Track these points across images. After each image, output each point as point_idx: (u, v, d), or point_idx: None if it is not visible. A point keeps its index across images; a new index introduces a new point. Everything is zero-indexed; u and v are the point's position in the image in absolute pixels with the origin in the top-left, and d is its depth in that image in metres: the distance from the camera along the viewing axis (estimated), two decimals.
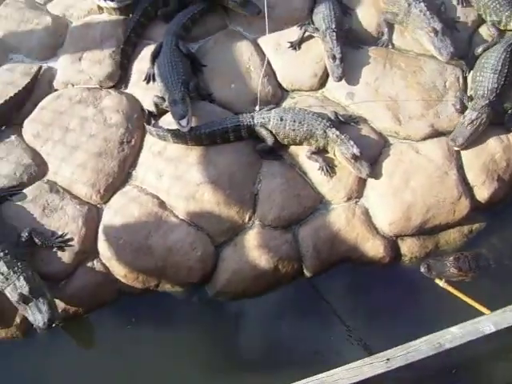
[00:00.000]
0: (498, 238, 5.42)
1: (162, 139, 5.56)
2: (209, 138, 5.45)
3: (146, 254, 5.24)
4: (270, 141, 5.42)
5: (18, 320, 5.18)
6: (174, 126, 5.44)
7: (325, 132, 5.28)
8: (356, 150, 5.14)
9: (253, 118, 5.47)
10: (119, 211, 5.41)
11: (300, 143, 5.46)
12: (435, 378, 4.32)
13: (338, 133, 5.24)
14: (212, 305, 5.38)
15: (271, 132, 5.42)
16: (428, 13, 5.70)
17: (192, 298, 5.41)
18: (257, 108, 5.59)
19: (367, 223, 5.30)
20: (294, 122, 5.34)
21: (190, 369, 5.06)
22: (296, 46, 5.97)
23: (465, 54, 5.83)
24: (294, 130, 5.35)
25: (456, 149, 5.38)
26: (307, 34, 5.96)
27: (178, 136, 5.46)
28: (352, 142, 5.18)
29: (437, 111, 5.57)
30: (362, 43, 5.97)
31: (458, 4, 6.10)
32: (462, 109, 5.50)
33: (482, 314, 4.74)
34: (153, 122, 5.73)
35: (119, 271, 5.29)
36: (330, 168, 5.37)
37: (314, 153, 5.40)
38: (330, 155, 5.42)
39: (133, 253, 5.25)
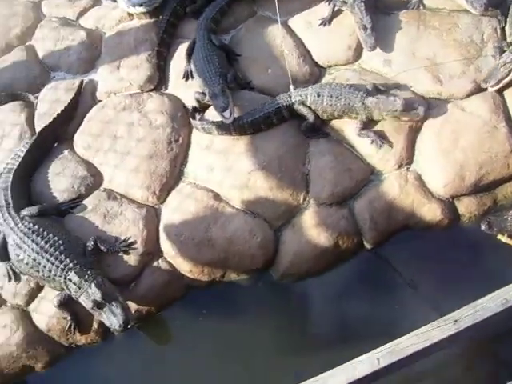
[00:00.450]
0: None
1: (208, 132, 5.65)
2: (252, 126, 5.52)
3: (208, 247, 5.35)
4: (310, 117, 5.44)
5: (95, 325, 5.37)
6: (219, 119, 5.53)
7: (363, 103, 5.28)
8: (400, 103, 5.16)
9: (290, 98, 5.50)
10: (177, 209, 5.54)
11: (340, 117, 5.47)
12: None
13: (375, 99, 5.26)
14: (278, 288, 5.45)
15: (310, 108, 5.44)
16: None
17: (258, 283, 5.50)
18: (291, 88, 5.59)
19: (421, 188, 5.27)
20: (331, 97, 5.35)
21: (264, 352, 5.17)
22: (327, 22, 5.96)
23: (498, 2, 5.65)
24: (331, 105, 5.37)
25: (490, 89, 5.31)
26: (336, 8, 5.94)
27: (222, 128, 5.55)
28: (392, 98, 5.21)
29: (477, 66, 5.46)
30: (392, 9, 5.90)
31: None
32: None
33: None
34: (198, 116, 5.82)
35: (184, 267, 5.42)
36: (383, 139, 5.35)
37: (362, 129, 5.39)
38: (381, 126, 5.40)
39: (195, 247, 5.36)
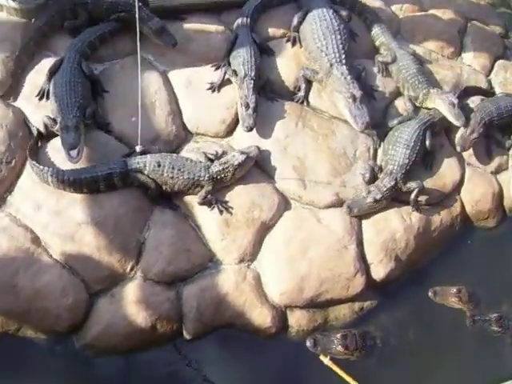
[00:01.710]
0: (387, 317, 5.25)
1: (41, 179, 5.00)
2: (73, 186, 4.90)
3: (10, 294, 4.69)
4: (151, 184, 4.97)
5: None
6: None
7: (209, 175, 4.99)
8: (239, 155, 5.06)
9: (126, 165, 4.99)
10: None
11: (180, 191, 5.08)
12: None
13: (217, 165, 5.04)
14: (77, 358, 4.84)
15: (149, 177, 4.98)
16: (349, 77, 5.47)
17: (56, 347, 4.87)
18: (137, 148, 5.12)
19: (257, 290, 4.98)
20: (173, 168, 4.97)
21: None
22: (216, 88, 5.57)
23: (378, 124, 5.64)
24: (172, 177, 4.96)
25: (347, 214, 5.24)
26: (226, 77, 5.58)
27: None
28: (231, 155, 5.10)
29: (343, 180, 5.35)
30: (277, 96, 5.65)
31: (379, 72, 5.95)
32: (370, 179, 5.34)
33: None
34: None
35: None
36: (224, 206, 5.07)
37: (205, 197, 5.03)
38: (234, 217, 5.08)
39: None
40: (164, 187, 5.02)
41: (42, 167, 4.91)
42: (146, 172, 4.96)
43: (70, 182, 4.87)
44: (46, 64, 5.55)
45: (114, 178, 4.94)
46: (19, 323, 4.78)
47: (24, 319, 4.77)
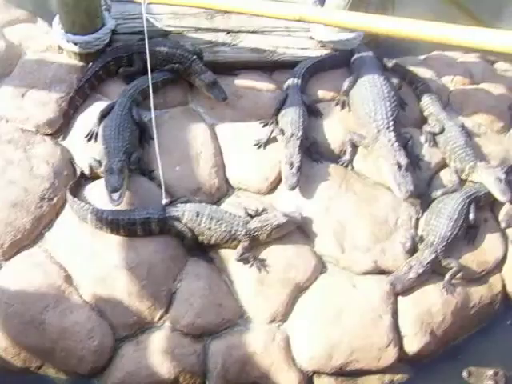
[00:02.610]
0: None
1: (80, 217, 5.03)
2: (110, 226, 4.90)
3: (37, 331, 4.66)
4: (188, 233, 4.93)
5: None
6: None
7: (247, 229, 4.93)
8: (281, 217, 4.97)
9: (164, 211, 4.98)
10: (19, 274, 4.84)
11: (216, 245, 5.03)
12: None
13: (257, 221, 4.97)
14: None
15: (186, 226, 4.95)
16: (396, 145, 5.41)
17: None
18: (163, 201, 5.04)
19: (285, 352, 4.82)
20: (212, 219, 4.92)
21: None
22: (262, 145, 5.55)
23: (422, 194, 5.51)
24: (209, 228, 4.92)
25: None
26: (273, 135, 5.57)
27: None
28: (272, 214, 5.02)
29: (383, 248, 5.19)
30: (322, 157, 5.59)
31: (426, 142, 5.85)
32: (411, 249, 5.20)
33: None
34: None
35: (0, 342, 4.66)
36: (262, 264, 4.98)
37: (243, 254, 4.96)
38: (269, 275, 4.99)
39: (22, 325, 4.66)
40: (201, 238, 4.98)
41: (81, 204, 4.96)
42: (184, 220, 4.94)
43: (108, 221, 4.89)
44: (98, 107, 5.67)
45: (151, 223, 4.93)
46: (42, 361, 4.73)
47: (47, 357, 4.72)
